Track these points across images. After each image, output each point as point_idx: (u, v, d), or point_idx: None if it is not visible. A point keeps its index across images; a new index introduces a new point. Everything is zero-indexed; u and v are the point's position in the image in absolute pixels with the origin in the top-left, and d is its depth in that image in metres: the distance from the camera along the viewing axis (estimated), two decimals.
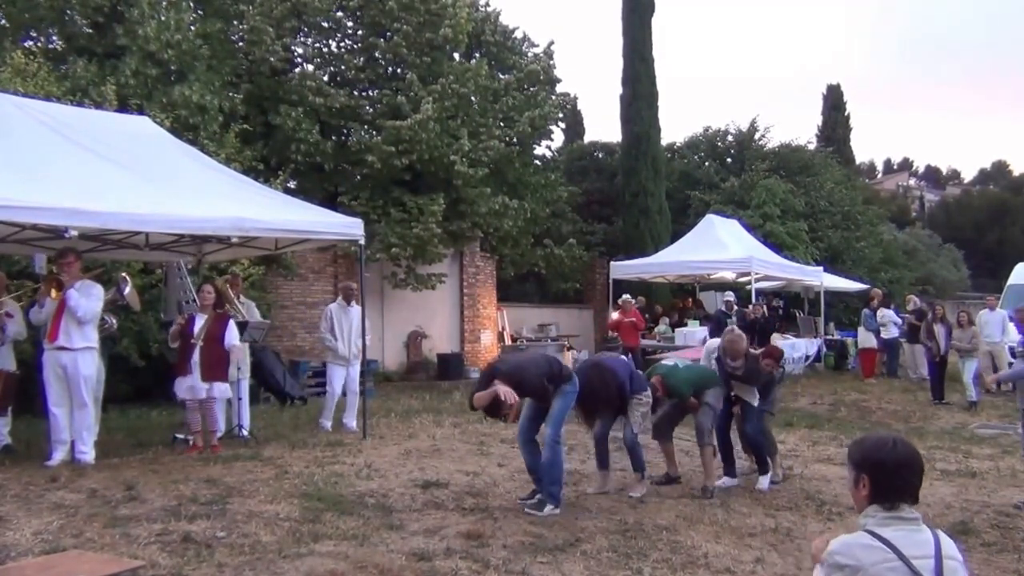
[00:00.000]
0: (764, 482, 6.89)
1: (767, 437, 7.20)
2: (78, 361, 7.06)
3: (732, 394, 7.09)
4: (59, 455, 7.04)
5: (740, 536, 5.45)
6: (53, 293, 7.18)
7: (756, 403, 7.03)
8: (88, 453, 7.06)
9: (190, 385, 7.81)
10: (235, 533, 5.10)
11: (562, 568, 4.68)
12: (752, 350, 7.18)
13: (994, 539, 5.50)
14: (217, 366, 7.81)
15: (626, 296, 15.01)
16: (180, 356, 7.94)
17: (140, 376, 11.22)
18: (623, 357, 7.87)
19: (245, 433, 8.72)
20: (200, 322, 7.84)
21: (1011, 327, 14.15)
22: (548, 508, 5.82)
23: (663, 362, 7.63)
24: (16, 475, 6.41)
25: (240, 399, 8.85)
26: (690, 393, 6.84)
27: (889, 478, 2.38)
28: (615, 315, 14.99)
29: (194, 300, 8.48)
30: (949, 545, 2.38)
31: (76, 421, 7.09)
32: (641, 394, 6.55)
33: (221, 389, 7.93)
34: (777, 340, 15.87)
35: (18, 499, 5.72)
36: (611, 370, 6.50)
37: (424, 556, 4.76)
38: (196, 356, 7.75)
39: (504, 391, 5.51)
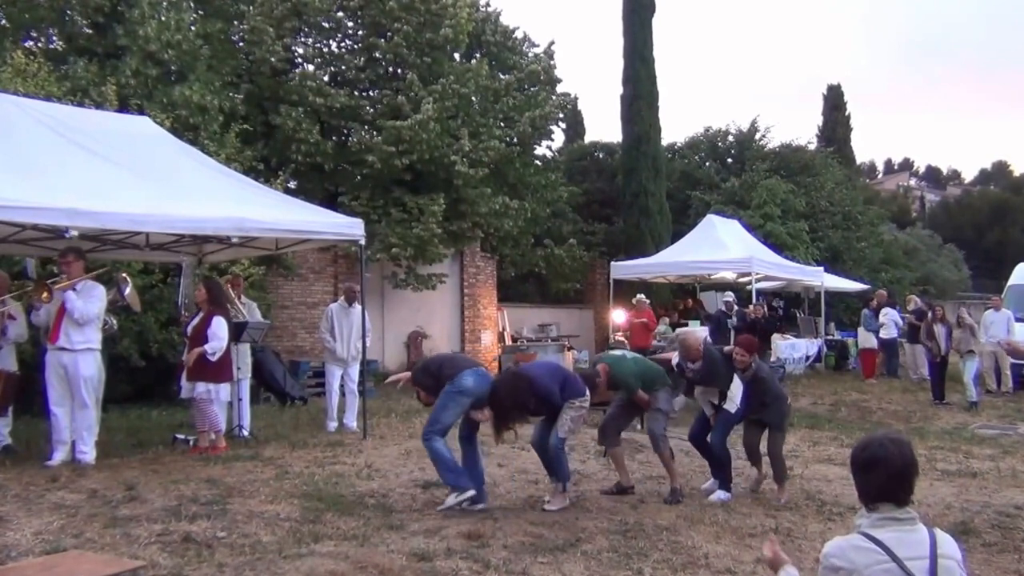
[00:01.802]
0: (718, 495, 6.47)
1: (780, 460, 6.70)
2: (78, 362, 7.05)
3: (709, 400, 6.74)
4: (60, 455, 7.03)
5: (741, 536, 5.45)
6: (44, 296, 7.18)
7: (733, 409, 6.54)
8: (89, 453, 7.05)
9: (183, 384, 7.86)
10: (235, 533, 5.10)
11: (562, 568, 4.68)
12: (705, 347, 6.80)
13: (995, 539, 5.50)
14: (200, 366, 7.70)
15: (640, 296, 14.89)
16: (183, 355, 8.04)
17: (140, 376, 11.23)
18: (557, 362, 7.85)
19: (246, 433, 8.72)
20: (194, 322, 7.87)
21: (1016, 327, 14.15)
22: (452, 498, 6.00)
23: (611, 352, 7.58)
24: (17, 475, 6.41)
25: (240, 399, 8.86)
26: (637, 386, 6.45)
27: (877, 478, 2.38)
28: (624, 314, 14.86)
29: (188, 300, 8.54)
30: (946, 544, 2.37)
31: (77, 421, 7.08)
32: (575, 399, 6.10)
33: (200, 389, 7.71)
34: (778, 340, 15.93)
35: (19, 499, 5.72)
36: (528, 378, 6.10)
37: (424, 556, 4.76)
38: (185, 355, 7.78)
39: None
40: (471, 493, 5.94)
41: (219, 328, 7.73)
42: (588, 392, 6.24)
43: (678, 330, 7.50)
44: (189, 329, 7.86)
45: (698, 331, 15.75)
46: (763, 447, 6.85)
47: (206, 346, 7.63)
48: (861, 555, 2.31)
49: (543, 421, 6.35)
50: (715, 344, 14.09)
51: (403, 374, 6.68)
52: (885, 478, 2.37)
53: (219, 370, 7.77)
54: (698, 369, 6.60)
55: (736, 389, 6.56)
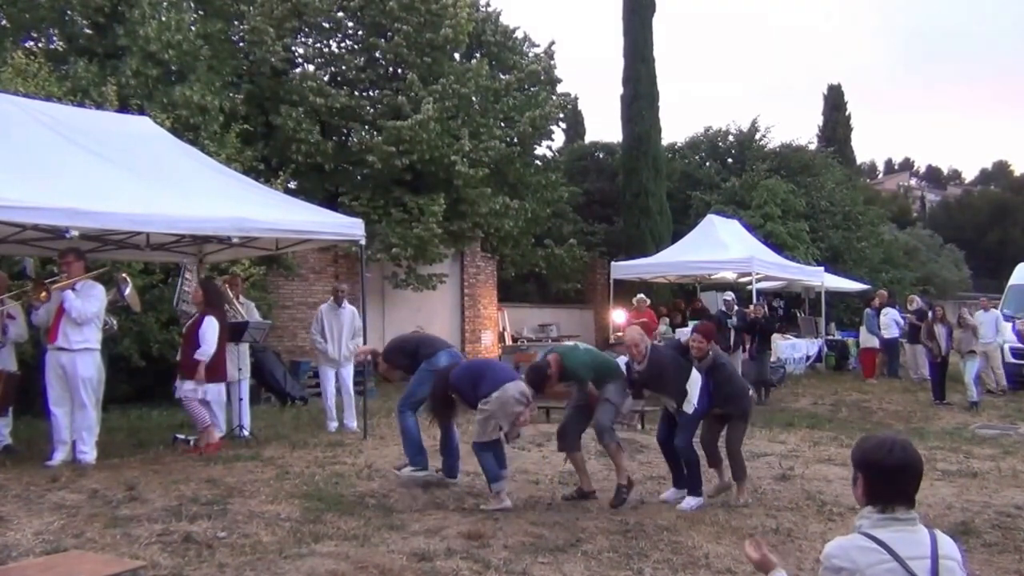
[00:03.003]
0: (688, 502, 6.12)
1: (738, 457, 6.36)
2: (76, 362, 7.05)
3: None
4: (60, 455, 7.03)
5: (741, 536, 5.43)
6: (42, 295, 7.18)
7: (691, 410, 6.17)
8: (89, 453, 7.05)
9: (176, 384, 7.88)
10: (236, 533, 5.10)
11: (563, 568, 4.68)
12: (653, 343, 6.54)
13: (995, 539, 5.49)
14: (190, 364, 7.70)
15: (640, 295, 14.81)
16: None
17: (141, 376, 11.23)
18: (494, 359, 7.90)
19: (246, 433, 8.72)
20: (190, 322, 7.89)
21: (1005, 326, 14.32)
22: (417, 471, 6.68)
23: (565, 343, 7.55)
24: (17, 475, 6.41)
25: (241, 399, 8.86)
26: (588, 377, 6.19)
27: (885, 481, 2.37)
28: (625, 314, 14.79)
29: (186, 300, 8.56)
30: (947, 545, 2.37)
31: (76, 421, 7.08)
32: (482, 400, 6.03)
33: (187, 388, 7.70)
34: (778, 340, 15.92)
35: (19, 499, 5.72)
36: (445, 377, 6.35)
37: (425, 556, 4.76)
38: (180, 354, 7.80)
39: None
40: (425, 473, 6.60)
41: (208, 330, 7.68)
42: (522, 388, 6.08)
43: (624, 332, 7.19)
44: (184, 329, 7.88)
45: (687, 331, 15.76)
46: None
47: (198, 352, 7.64)
48: (863, 555, 2.30)
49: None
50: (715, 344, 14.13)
51: (366, 347, 7.06)
52: (909, 480, 2.39)
53: (209, 370, 7.70)
54: (642, 371, 6.25)
55: (694, 388, 6.18)
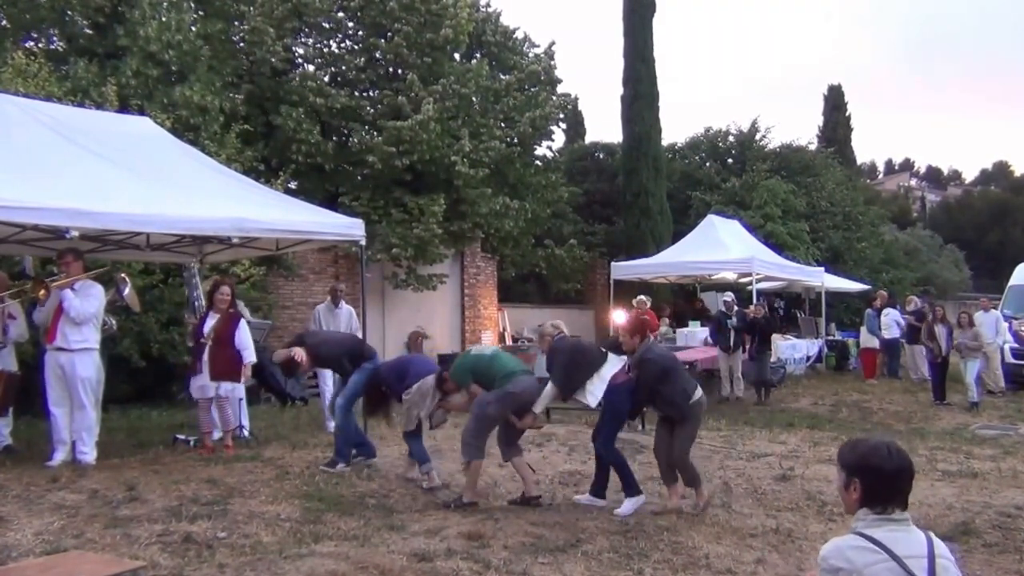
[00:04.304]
0: (625, 506, 5.94)
1: (684, 464, 6.06)
2: (75, 362, 7.03)
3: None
4: (60, 455, 7.02)
5: (741, 537, 5.44)
6: (41, 293, 7.19)
7: (591, 401, 6.05)
8: (89, 454, 7.04)
9: (201, 384, 7.85)
10: (236, 534, 5.10)
11: (563, 568, 4.68)
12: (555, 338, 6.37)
13: (995, 540, 5.49)
14: (226, 365, 7.76)
15: (641, 296, 14.74)
16: (193, 355, 8.02)
17: (141, 376, 11.23)
18: (422, 356, 8.16)
19: (246, 434, 8.71)
20: (211, 322, 7.86)
21: (1003, 327, 14.37)
22: (340, 466, 6.94)
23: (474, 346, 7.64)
24: (17, 476, 6.40)
25: (240, 399, 8.85)
26: (467, 381, 6.23)
27: (883, 485, 2.39)
28: (625, 315, 14.69)
29: (200, 300, 8.52)
30: (941, 546, 2.40)
31: (75, 422, 7.06)
32: (406, 391, 6.59)
33: (227, 388, 7.86)
34: (778, 341, 15.92)
35: (19, 499, 5.71)
36: (376, 372, 7.02)
37: (425, 557, 4.75)
38: (206, 355, 7.77)
39: (298, 353, 7.07)
40: (342, 466, 6.99)
41: (245, 331, 7.96)
42: (427, 384, 6.54)
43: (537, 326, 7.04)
44: (206, 329, 7.85)
45: (699, 332, 15.78)
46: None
47: (247, 354, 7.89)
48: (860, 555, 2.31)
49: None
50: (715, 344, 14.09)
51: (296, 350, 7.16)
52: (907, 482, 2.42)
53: (239, 370, 7.89)
54: (547, 362, 6.34)
55: (597, 382, 6.03)
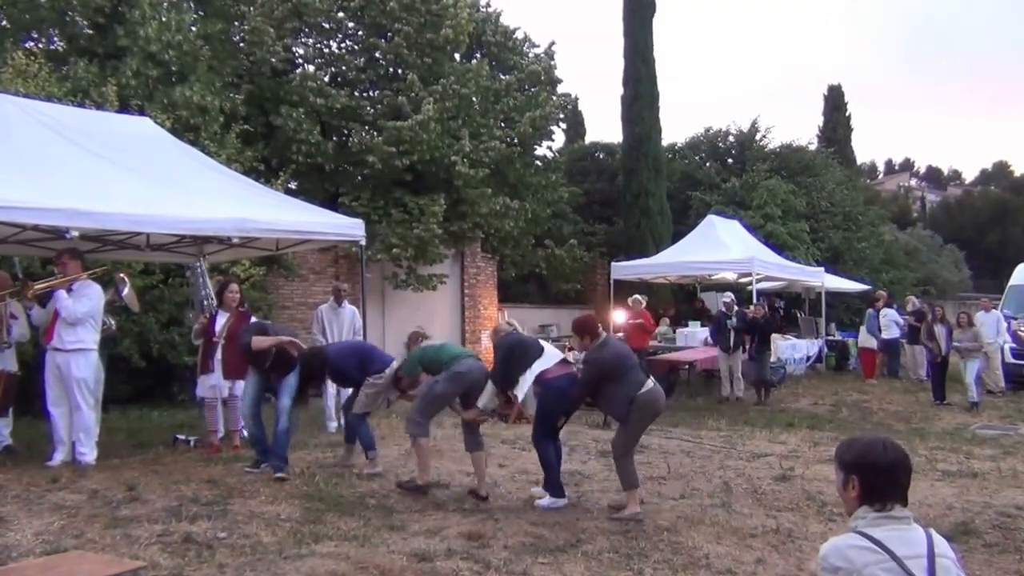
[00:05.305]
0: (543, 501, 6.04)
1: (620, 465, 5.93)
2: (71, 362, 7.01)
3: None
4: (60, 456, 7.02)
5: (741, 537, 5.44)
6: (28, 294, 7.20)
7: (518, 395, 6.18)
8: (89, 454, 7.04)
9: (212, 384, 7.84)
10: (236, 534, 5.10)
11: (563, 569, 4.68)
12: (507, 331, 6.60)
13: (996, 540, 5.49)
14: (239, 364, 7.70)
15: (636, 296, 14.65)
16: (202, 354, 8.01)
17: (141, 377, 11.23)
18: (365, 344, 8.17)
19: (246, 434, 8.70)
20: (222, 320, 7.85)
21: (1004, 327, 14.40)
22: (280, 474, 6.68)
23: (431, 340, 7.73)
24: (17, 476, 6.40)
25: (241, 400, 8.84)
26: (416, 372, 6.64)
27: (881, 480, 2.39)
28: (624, 314, 14.68)
29: (212, 299, 8.52)
30: (942, 544, 2.38)
31: (73, 422, 7.06)
32: (371, 376, 6.96)
33: (240, 387, 7.84)
34: (778, 341, 15.92)
35: (19, 500, 5.71)
36: (324, 356, 7.30)
37: (425, 557, 4.76)
38: (218, 354, 7.76)
39: (272, 342, 6.94)
40: (265, 467, 6.88)
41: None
42: (389, 371, 6.92)
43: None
44: (217, 329, 7.84)
45: (699, 332, 15.78)
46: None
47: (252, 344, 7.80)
48: (859, 554, 2.30)
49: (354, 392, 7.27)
50: (715, 344, 14.07)
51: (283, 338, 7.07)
52: (905, 475, 2.41)
53: (236, 366, 7.83)
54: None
55: (526, 378, 6.14)
